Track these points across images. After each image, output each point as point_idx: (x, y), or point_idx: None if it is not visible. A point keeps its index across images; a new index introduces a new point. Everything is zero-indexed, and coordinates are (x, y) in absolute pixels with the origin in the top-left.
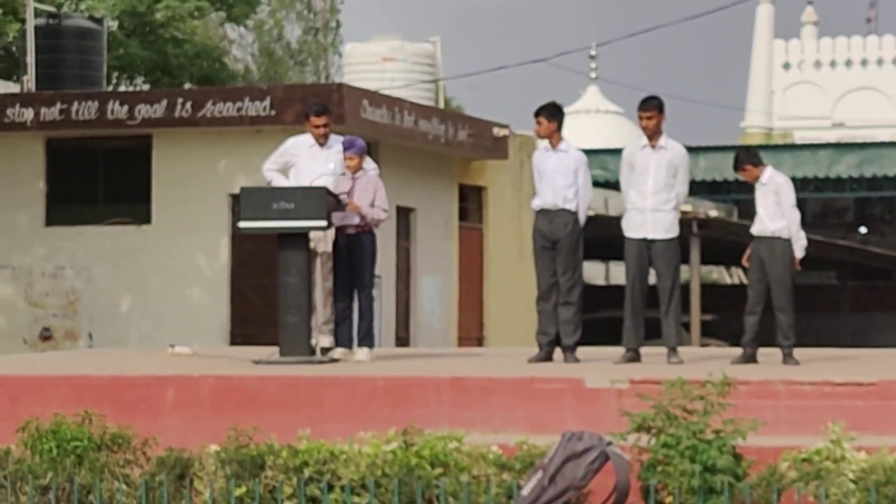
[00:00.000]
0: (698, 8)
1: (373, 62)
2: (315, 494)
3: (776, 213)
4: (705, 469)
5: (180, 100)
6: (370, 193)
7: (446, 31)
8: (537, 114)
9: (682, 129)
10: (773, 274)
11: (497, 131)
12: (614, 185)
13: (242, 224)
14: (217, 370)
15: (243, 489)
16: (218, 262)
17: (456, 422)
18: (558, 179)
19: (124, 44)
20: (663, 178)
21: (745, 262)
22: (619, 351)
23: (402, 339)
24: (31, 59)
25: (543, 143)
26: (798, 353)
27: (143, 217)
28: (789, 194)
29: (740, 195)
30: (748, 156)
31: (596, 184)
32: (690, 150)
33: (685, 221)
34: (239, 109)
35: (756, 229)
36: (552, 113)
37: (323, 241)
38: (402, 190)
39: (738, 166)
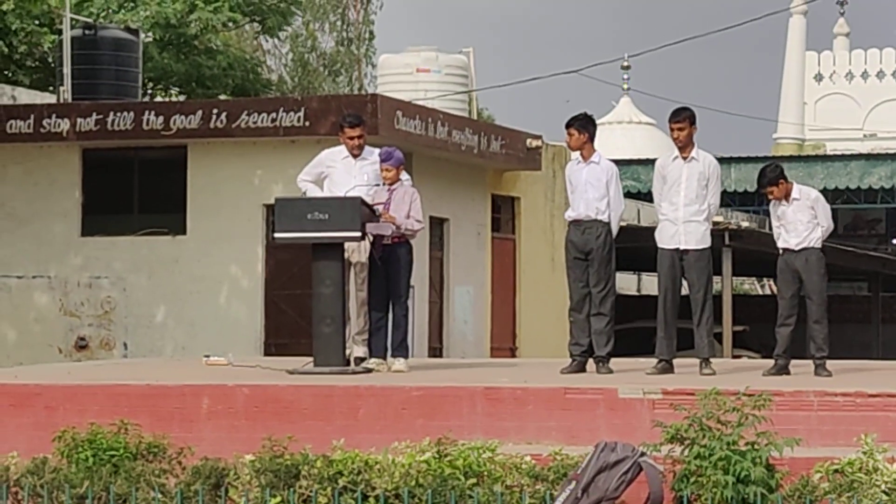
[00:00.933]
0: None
1: (407, 73)
2: None
3: (810, 225)
4: (738, 480)
5: (215, 111)
6: (406, 205)
7: (479, 41)
8: (568, 125)
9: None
10: (809, 285)
11: (530, 142)
12: (646, 196)
13: (278, 235)
14: (252, 380)
15: (278, 499)
16: (252, 272)
17: (489, 432)
18: (590, 191)
19: (157, 56)
20: (695, 189)
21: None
22: (652, 362)
23: (436, 350)
24: (67, 69)
25: (575, 155)
26: (830, 364)
27: (178, 227)
28: (827, 207)
29: None
30: (781, 172)
31: (628, 195)
32: (722, 161)
33: (717, 232)
34: (273, 120)
35: (792, 242)
36: (583, 125)
37: (357, 252)
38: (435, 200)
39: (773, 182)
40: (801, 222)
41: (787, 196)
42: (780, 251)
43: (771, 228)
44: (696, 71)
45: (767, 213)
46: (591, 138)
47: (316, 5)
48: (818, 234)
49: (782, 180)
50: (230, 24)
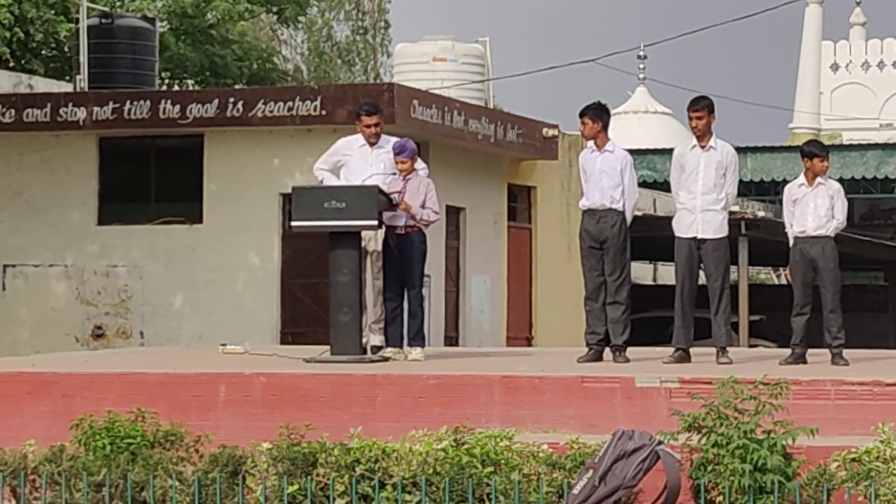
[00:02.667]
0: (747, 9)
1: (423, 62)
2: (367, 492)
3: (828, 214)
4: (756, 469)
5: (232, 99)
6: (421, 195)
7: (495, 31)
8: (582, 114)
9: (731, 129)
10: (825, 274)
11: (546, 131)
12: (662, 186)
13: (295, 223)
14: (269, 368)
15: (295, 486)
16: (269, 260)
17: (507, 420)
18: (605, 180)
19: (173, 45)
20: (713, 178)
21: (787, 274)
22: (668, 351)
23: (452, 339)
24: (83, 58)
25: (590, 144)
26: (847, 353)
27: (194, 216)
28: (845, 202)
29: None
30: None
31: (644, 184)
32: (739, 150)
33: (733, 222)
34: (290, 109)
35: (811, 226)
36: (597, 113)
37: (374, 240)
38: (451, 190)
39: (819, 154)
40: (822, 207)
41: (815, 178)
42: (793, 240)
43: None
44: (712, 60)
45: (782, 203)
46: (605, 127)
47: None
48: (834, 224)
49: (826, 157)
50: (247, 14)
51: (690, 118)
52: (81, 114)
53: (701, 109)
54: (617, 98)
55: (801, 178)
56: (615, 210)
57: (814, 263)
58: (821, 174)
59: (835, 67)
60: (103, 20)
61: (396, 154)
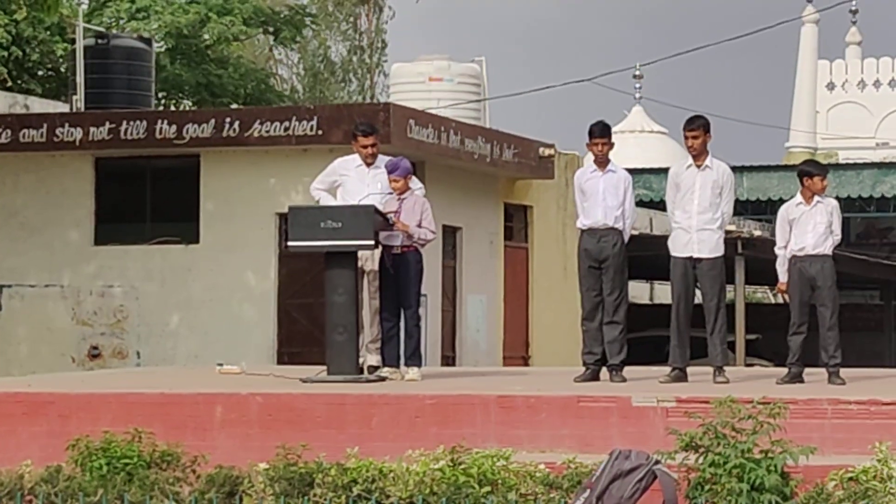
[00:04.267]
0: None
1: (419, 82)
2: None
3: (826, 232)
4: (753, 488)
5: (228, 119)
6: (417, 214)
7: (491, 50)
8: (601, 135)
9: (727, 148)
10: (824, 292)
11: (542, 151)
12: (658, 205)
13: (291, 243)
14: (265, 388)
15: None
16: (265, 280)
17: (503, 440)
18: (609, 199)
19: (170, 65)
20: (709, 197)
21: (780, 287)
22: (665, 370)
23: (448, 359)
24: (80, 78)
25: (587, 163)
26: (843, 372)
27: (191, 236)
28: (840, 218)
29: None
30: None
31: (640, 203)
32: (734, 170)
33: (729, 241)
34: (286, 129)
35: (809, 243)
36: (610, 134)
37: (371, 260)
38: (447, 209)
39: (818, 173)
40: (821, 225)
41: (812, 197)
42: (789, 259)
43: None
44: (708, 80)
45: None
46: (612, 147)
47: (328, 14)
48: (831, 241)
49: (825, 177)
50: (243, 35)
51: (686, 137)
52: (77, 134)
53: (696, 129)
54: (613, 117)
55: (798, 198)
56: (616, 229)
57: (813, 282)
58: (819, 193)
59: (831, 86)
60: (99, 41)
61: (389, 172)
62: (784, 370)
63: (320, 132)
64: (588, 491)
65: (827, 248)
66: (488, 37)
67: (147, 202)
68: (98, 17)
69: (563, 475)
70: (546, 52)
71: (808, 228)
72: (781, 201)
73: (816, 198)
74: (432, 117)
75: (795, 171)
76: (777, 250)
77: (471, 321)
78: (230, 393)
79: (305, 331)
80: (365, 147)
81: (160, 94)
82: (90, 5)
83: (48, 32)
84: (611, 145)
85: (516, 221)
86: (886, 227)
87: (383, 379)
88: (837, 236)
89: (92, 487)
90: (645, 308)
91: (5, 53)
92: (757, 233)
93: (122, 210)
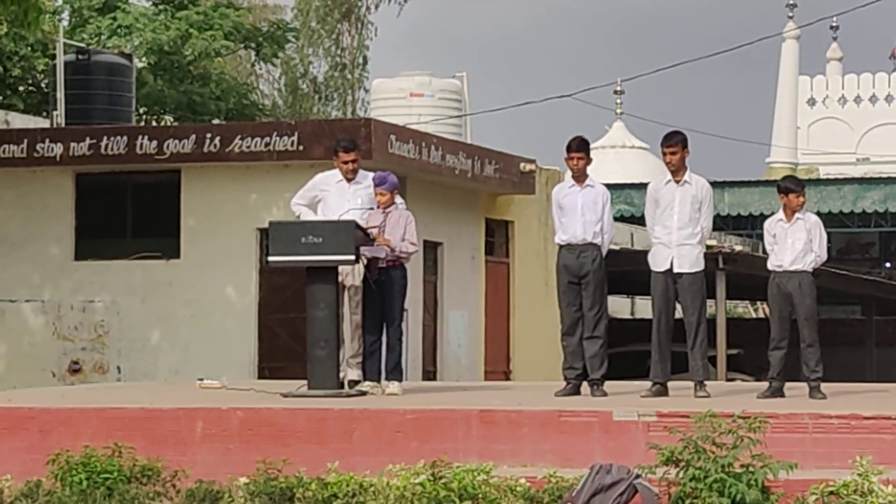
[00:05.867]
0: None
1: (400, 97)
2: None
3: (806, 247)
4: (734, 503)
5: (209, 135)
6: (401, 228)
7: (473, 66)
8: (578, 150)
9: (708, 164)
10: (803, 308)
11: (523, 166)
12: (639, 220)
13: (272, 258)
14: (246, 403)
15: None
16: (246, 295)
17: (484, 455)
18: (588, 214)
19: (151, 81)
20: (688, 212)
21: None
22: (646, 384)
23: (430, 374)
24: (60, 94)
25: (567, 178)
26: (824, 387)
27: (171, 251)
28: (825, 235)
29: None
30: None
31: (622, 218)
32: (716, 185)
33: (710, 256)
34: (267, 145)
35: (787, 260)
36: (588, 149)
37: (351, 275)
38: (429, 224)
39: (795, 189)
40: (799, 241)
41: (792, 213)
42: (771, 273)
43: (765, 252)
44: (689, 95)
45: (761, 237)
46: (590, 162)
47: (310, 30)
48: (811, 258)
49: (803, 193)
50: (224, 51)
51: (664, 153)
52: (58, 149)
53: (675, 144)
54: (594, 133)
55: (780, 214)
56: (594, 244)
57: (790, 298)
58: (797, 209)
59: (812, 102)
60: (80, 56)
61: (377, 186)
62: (765, 385)
63: (301, 148)
64: None
65: (806, 265)
66: (469, 52)
67: (128, 217)
68: (79, 34)
69: (544, 489)
70: (527, 67)
71: (787, 245)
72: (762, 216)
73: (797, 214)
74: (413, 133)
75: (776, 187)
76: (769, 264)
77: (452, 336)
78: (211, 408)
79: (286, 345)
80: (346, 163)
81: (141, 110)
82: (71, 22)
83: (30, 48)
84: (588, 160)
85: (497, 236)
86: (867, 243)
87: (364, 393)
88: (820, 256)
89: (72, 502)
90: (626, 323)
91: None
92: (738, 248)
93: (102, 225)
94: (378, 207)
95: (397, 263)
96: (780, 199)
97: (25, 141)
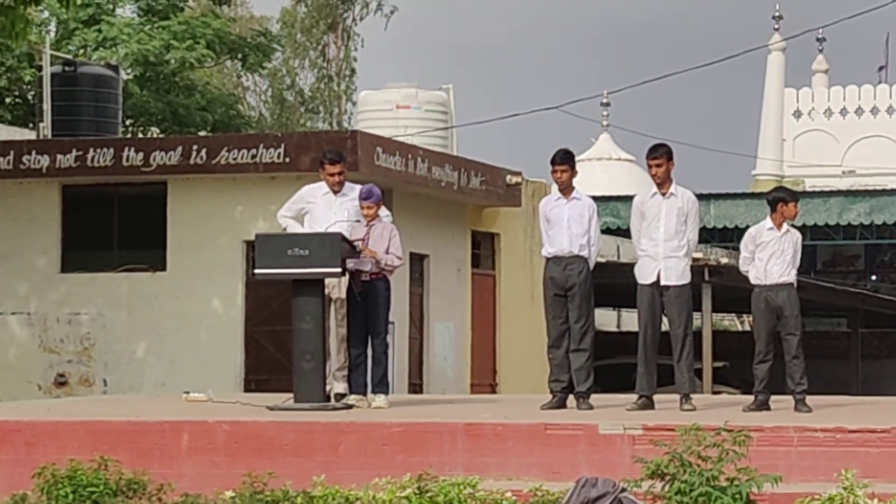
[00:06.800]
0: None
1: (387, 109)
2: None
3: (791, 260)
4: None
5: (195, 147)
6: (385, 241)
7: (459, 77)
8: (562, 162)
9: (694, 176)
10: (790, 321)
11: (510, 178)
12: (626, 233)
13: (258, 270)
14: (232, 416)
15: None
16: (233, 308)
17: (470, 468)
18: (574, 227)
19: (137, 92)
20: (674, 225)
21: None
22: (632, 397)
23: (416, 386)
24: (46, 105)
25: (553, 191)
26: (810, 400)
27: (158, 263)
28: (801, 249)
29: None
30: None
31: (608, 231)
32: (701, 197)
33: (697, 269)
34: (253, 156)
35: (775, 272)
36: (573, 161)
37: (338, 288)
38: (415, 237)
39: (790, 199)
40: (788, 253)
41: (782, 224)
42: (756, 287)
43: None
44: (675, 107)
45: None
46: (575, 174)
47: (297, 42)
48: (794, 271)
49: (796, 203)
50: (206, 59)
51: (650, 166)
52: (44, 161)
53: (660, 157)
54: (580, 145)
55: (769, 222)
56: (581, 257)
57: (779, 311)
58: (792, 219)
59: (797, 114)
60: (66, 68)
61: (363, 199)
62: (751, 398)
63: (287, 160)
64: None
65: (791, 277)
66: (456, 63)
67: (114, 229)
68: (66, 46)
69: (529, 503)
70: (514, 77)
71: (776, 255)
72: (748, 229)
73: (786, 225)
74: (400, 145)
75: (763, 199)
76: (743, 267)
77: (438, 349)
78: (197, 420)
79: (272, 358)
80: (332, 175)
81: (127, 122)
82: (58, 33)
83: (16, 59)
84: (573, 173)
85: (483, 249)
86: (853, 255)
87: (350, 406)
88: (797, 266)
89: None
90: (612, 335)
91: None
92: (724, 260)
93: (89, 237)
94: (362, 220)
95: (380, 276)
96: (778, 209)
97: (12, 153)
